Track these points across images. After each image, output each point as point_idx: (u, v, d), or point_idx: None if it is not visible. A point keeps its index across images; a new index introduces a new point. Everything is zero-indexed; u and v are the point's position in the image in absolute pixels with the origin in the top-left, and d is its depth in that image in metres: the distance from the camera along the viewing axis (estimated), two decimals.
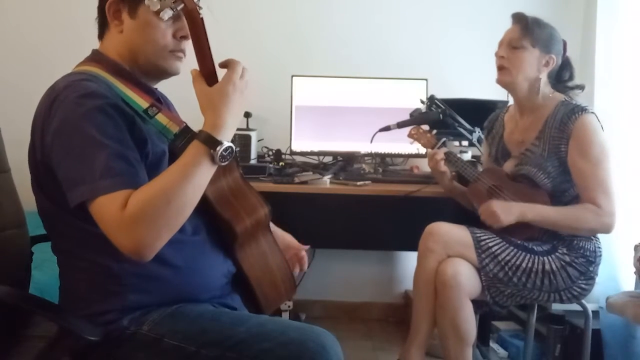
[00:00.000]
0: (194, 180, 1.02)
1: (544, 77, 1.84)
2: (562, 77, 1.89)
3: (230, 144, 1.05)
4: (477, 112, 2.25)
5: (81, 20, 2.45)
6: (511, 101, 2.05)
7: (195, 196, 1.03)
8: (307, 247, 1.48)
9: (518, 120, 1.93)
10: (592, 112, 1.76)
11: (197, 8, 1.07)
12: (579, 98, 1.87)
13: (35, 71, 2.64)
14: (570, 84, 1.89)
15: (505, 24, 1.88)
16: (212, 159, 1.04)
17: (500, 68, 1.85)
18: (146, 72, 1.19)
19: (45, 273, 1.63)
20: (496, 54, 1.87)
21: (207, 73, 1.09)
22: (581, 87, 1.90)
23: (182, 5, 1.06)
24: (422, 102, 2.31)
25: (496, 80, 1.87)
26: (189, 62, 1.15)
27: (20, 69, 2.72)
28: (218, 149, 1.03)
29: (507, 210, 1.74)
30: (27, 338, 1.34)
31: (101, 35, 1.22)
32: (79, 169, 1.01)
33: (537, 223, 1.77)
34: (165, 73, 1.20)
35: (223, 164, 1.05)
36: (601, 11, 2.45)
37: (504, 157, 1.95)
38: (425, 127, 2.16)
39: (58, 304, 1.18)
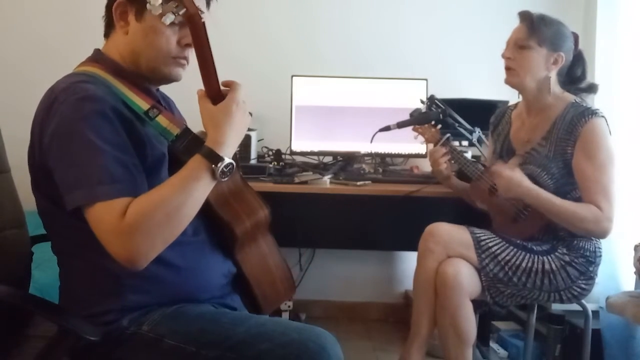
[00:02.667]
0: (193, 194, 1.03)
1: (553, 75, 1.81)
2: (574, 74, 1.85)
3: (231, 161, 1.06)
4: (477, 112, 2.25)
5: (82, 20, 2.48)
6: (512, 101, 2.05)
7: (193, 210, 1.04)
8: None
9: (525, 119, 1.92)
10: (602, 116, 1.73)
11: (199, 13, 1.06)
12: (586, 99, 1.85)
13: (36, 71, 2.65)
14: (582, 85, 1.86)
15: (505, 24, 1.87)
16: (213, 174, 1.05)
17: (508, 69, 1.83)
18: (147, 76, 1.19)
19: (45, 273, 1.63)
20: (503, 55, 1.85)
21: (212, 93, 1.10)
22: (593, 90, 1.87)
23: (184, 10, 1.05)
24: (422, 102, 2.31)
25: (504, 81, 1.85)
26: (194, 68, 1.13)
27: (21, 69, 2.72)
28: (219, 165, 1.04)
29: (508, 187, 1.75)
30: (27, 338, 1.34)
31: (107, 34, 1.21)
32: (77, 172, 1.01)
33: (534, 206, 1.77)
34: (165, 79, 1.20)
35: (223, 179, 1.06)
36: (601, 11, 2.45)
37: (508, 155, 1.94)
38: None
39: (58, 304, 1.18)
